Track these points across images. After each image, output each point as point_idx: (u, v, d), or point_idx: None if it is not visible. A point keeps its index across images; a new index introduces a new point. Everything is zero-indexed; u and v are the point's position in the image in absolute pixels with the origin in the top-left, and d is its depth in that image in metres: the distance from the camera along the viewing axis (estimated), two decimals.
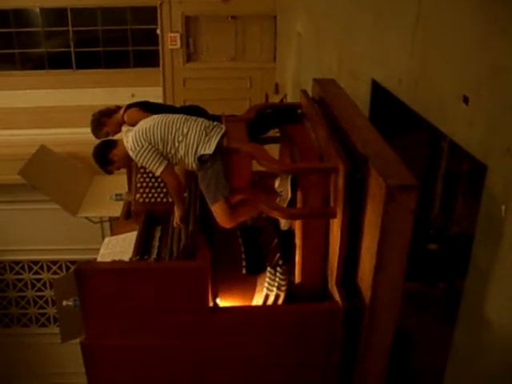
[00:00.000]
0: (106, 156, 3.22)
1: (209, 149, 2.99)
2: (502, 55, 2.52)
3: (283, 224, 3.27)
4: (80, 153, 8.38)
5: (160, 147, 3.05)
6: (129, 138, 3.13)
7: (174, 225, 3.19)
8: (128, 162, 3.35)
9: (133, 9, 9.00)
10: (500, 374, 2.67)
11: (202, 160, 3.00)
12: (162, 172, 3.07)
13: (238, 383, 2.93)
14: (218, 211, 2.96)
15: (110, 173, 3.33)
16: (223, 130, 3.07)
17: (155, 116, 3.21)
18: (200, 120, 3.15)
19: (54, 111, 9.09)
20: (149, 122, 3.14)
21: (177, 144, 3.04)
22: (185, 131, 3.06)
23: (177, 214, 3.20)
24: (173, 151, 3.06)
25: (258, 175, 3.29)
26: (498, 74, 2.55)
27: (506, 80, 2.51)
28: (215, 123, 3.14)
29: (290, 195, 3.06)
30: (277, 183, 3.24)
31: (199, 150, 3.01)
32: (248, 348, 2.80)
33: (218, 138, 3.01)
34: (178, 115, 3.19)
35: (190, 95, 8.69)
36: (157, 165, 3.05)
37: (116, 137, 3.54)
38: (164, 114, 3.21)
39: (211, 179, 2.96)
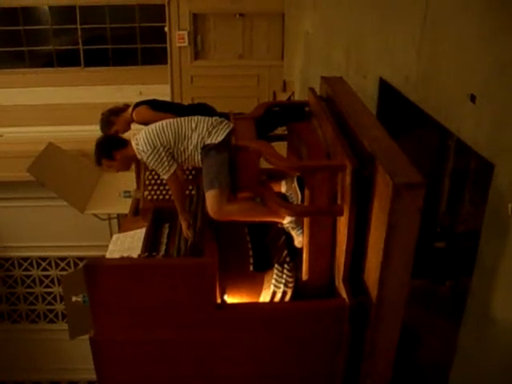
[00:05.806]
0: (111, 150, 3.24)
1: (216, 140, 3.04)
2: (510, 53, 2.51)
3: (297, 242, 3.07)
4: (88, 150, 8.29)
5: (172, 144, 3.10)
6: (139, 140, 3.15)
7: (185, 235, 3.16)
8: (126, 168, 3.35)
9: (141, 6, 9.03)
10: (505, 372, 2.67)
11: (206, 149, 3.05)
12: (170, 176, 3.12)
13: (244, 379, 2.95)
14: (210, 198, 2.98)
15: (99, 165, 3.29)
16: (231, 126, 3.11)
17: (165, 120, 3.25)
18: (209, 117, 3.20)
19: (63, 109, 9.12)
20: (159, 124, 3.21)
21: (187, 139, 3.09)
22: (193, 125, 3.13)
23: (183, 223, 3.20)
24: (184, 145, 3.11)
25: (266, 173, 3.31)
26: (506, 73, 2.55)
27: None
28: (224, 119, 3.19)
29: (300, 195, 3.07)
30: (283, 188, 3.26)
31: (206, 141, 3.06)
32: (255, 344, 2.82)
33: (226, 131, 3.07)
34: (186, 117, 3.23)
35: (198, 93, 8.70)
36: (166, 168, 3.09)
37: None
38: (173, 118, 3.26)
39: (213, 167, 3.00)
